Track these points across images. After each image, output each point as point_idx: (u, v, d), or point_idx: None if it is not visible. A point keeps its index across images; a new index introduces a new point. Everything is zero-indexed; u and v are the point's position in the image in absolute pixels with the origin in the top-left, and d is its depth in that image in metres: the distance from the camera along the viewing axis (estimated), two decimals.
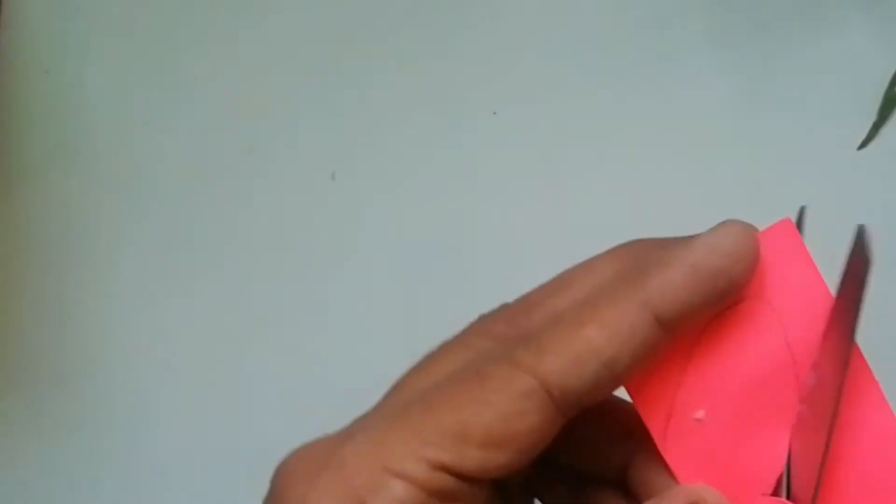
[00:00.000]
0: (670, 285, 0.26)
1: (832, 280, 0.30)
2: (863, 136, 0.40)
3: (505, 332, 0.27)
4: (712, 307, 0.28)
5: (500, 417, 0.25)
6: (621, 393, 0.27)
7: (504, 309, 0.27)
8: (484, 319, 0.27)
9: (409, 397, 0.26)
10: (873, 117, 0.40)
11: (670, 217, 0.41)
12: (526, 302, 0.27)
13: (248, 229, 0.40)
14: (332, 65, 0.42)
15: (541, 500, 0.29)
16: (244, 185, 0.41)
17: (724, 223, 0.28)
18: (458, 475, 0.25)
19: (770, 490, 0.27)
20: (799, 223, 0.29)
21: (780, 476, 0.28)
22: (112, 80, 0.43)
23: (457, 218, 0.38)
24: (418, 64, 0.42)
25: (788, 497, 0.27)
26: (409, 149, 0.40)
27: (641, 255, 0.28)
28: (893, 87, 0.40)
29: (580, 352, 0.25)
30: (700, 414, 0.27)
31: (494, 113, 0.41)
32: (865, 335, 0.40)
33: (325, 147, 0.41)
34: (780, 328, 0.29)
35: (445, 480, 0.25)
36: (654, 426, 0.27)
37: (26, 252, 0.42)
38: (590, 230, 0.40)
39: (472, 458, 0.25)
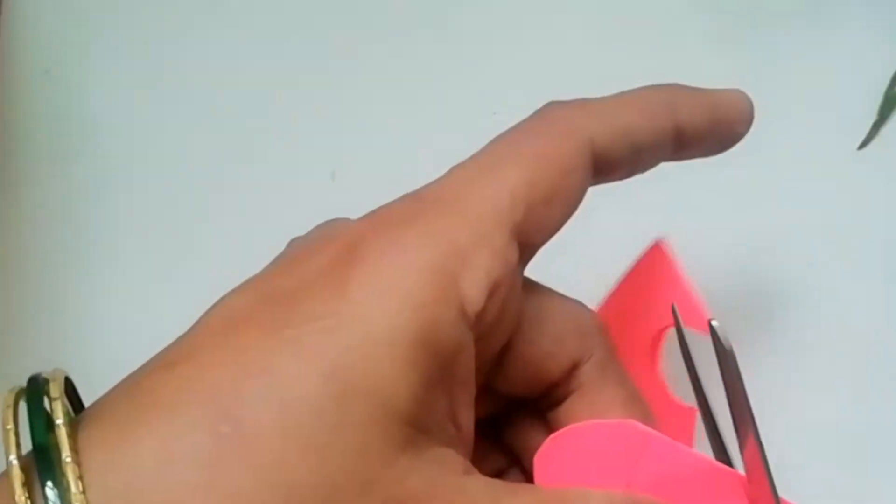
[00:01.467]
0: (695, 108, 0.30)
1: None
2: (863, 136, 0.40)
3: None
4: (710, 148, 0.32)
5: (561, 172, 0.28)
6: None
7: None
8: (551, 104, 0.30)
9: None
10: (873, 117, 0.40)
11: (669, 216, 0.41)
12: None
13: (250, 230, 0.40)
14: (333, 65, 0.42)
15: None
16: (245, 185, 0.41)
17: (737, 91, 0.32)
18: (525, 241, 0.27)
19: None
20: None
21: None
22: (112, 80, 0.43)
23: None
24: (419, 64, 0.42)
25: None
26: (410, 149, 0.40)
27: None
28: (893, 87, 0.40)
29: (623, 125, 0.29)
30: None
31: (494, 113, 0.41)
32: (869, 337, 0.40)
33: (324, 147, 0.41)
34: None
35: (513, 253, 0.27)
36: None
37: (26, 252, 0.42)
38: (587, 234, 0.40)
39: (538, 216, 0.28)
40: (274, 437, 0.24)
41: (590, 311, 0.31)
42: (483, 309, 0.26)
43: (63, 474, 0.23)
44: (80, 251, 0.42)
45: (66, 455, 0.23)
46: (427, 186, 0.28)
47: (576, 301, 0.30)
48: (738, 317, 0.40)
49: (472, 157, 0.28)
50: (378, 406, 0.25)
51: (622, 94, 0.30)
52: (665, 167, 0.41)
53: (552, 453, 0.29)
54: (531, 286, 0.30)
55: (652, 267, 0.33)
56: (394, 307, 0.25)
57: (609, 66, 0.42)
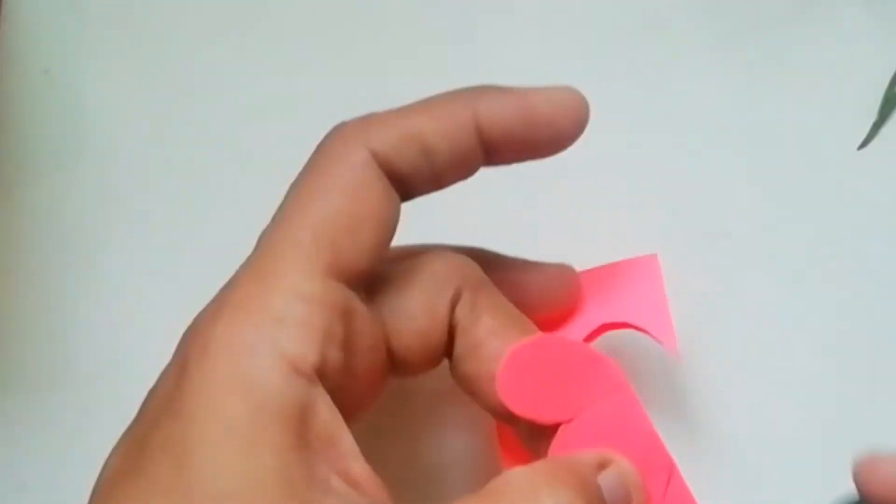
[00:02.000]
0: (500, 106, 0.29)
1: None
2: (863, 136, 0.40)
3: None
4: (531, 150, 0.30)
5: (352, 198, 0.28)
6: None
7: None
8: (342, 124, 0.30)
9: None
10: (873, 117, 0.40)
11: (669, 216, 0.41)
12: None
13: (251, 230, 0.40)
14: (334, 65, 0.42)
15: None
16: (245, 186, 0.41)
17: (565, 87, 0.30)
18: (349, 271, 0.28)
19: None
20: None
21: None
22: (112, 80, 0.43)
23: (459, 217, 0.38)
24: (419, 64, 0.42)
25: None
26: None
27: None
28: (893, 87, 0.40)
29: (409, 130, 0.28)
30: None
31: None
32: (869, 337, 0.40)
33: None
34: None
35: None
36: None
37: (26, 252, 0.42)
38: (587, 234, 0.40)
39: (347, 247, 0.28)
40: None
41: (446, 254, 0.31)
42: (320, 361, 0.27)
43: None
44: (79, 251, 0.41)
45: None
46: (232, 281, 0.29)
47: (433, 254, 0.31)
48: (736, 316, 0.40)
49: (272, 220, 0.29)
50: (244, 495, 0.25)
51: (420, 100, 0.30)
52: (665, 169, 0.42)
53: (512, 370, 0.30)
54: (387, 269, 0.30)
55: (637, 271, 0.34)
56: (224, 402, 0.26)
57: (609, 66, 0.42)
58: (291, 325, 0.27)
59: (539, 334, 0.31)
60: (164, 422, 0.27)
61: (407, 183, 0.29)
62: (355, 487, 0.27)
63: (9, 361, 0.41)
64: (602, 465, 0.30)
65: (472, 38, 0.42)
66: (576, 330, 0.33)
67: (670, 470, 0.32)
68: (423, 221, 0.31)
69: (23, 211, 0.42)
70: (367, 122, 0.29)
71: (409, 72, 0.42)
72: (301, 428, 0.26)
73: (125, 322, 0.40)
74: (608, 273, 0.34)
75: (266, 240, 0.29)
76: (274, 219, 0.29)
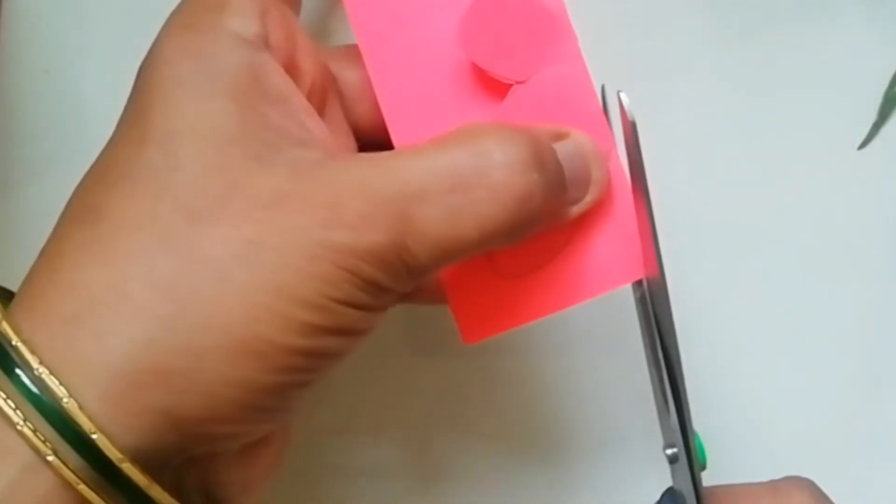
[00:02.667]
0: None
1: None
2: (863, 136, 0.40)
3: None
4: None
5: None
6: None
7: None
8: None
9: None
10: (873, 117, 0.40)
11: (668, 217, 0.41)
12: None
13: None
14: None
15: None
16: None
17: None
18: None
19: None
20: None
21: None
22: (112, 80, 0.43)
23: None
24: None
25: None
26: None
27: None
28: (893, 87, 0.40)
29: None
30: None
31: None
32: (869, 337, 0.40)
33: None
34: None
35: None
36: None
37: (25, 252, 0.42)
38: None
39: None
40: (128, 205, 0.27)
41: None
42: (263, 32, 0.29)
43: (15, 350, 0.26)
44: None
45: (14, 340, 0.26)
46: None
47: None
48: (736, 316, 0.40)
49: None
50: (200, 136, 0.27)
51: None
52: (665, 169, 0.42)
53: (473, 20, 0.31)
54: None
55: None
56: (179, 69, 0.28)
57: (609, 65, 0.42)
58: (229, 7, 0.29)
59: None
60: (128, 105, 0.30)
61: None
62: (312, 138, 0.29)
63: None
64: (558, 136, 0.30)
65: None
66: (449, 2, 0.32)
67: (610, 151, 0.31)
68: None
69: (23, 211, 0.42)
70: None
71: None
72: (252, 84, 0.28)
73: None
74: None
75: None
76: None
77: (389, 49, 0.31)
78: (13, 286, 0.41)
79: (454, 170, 0.28)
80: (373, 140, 0.33)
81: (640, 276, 0.31)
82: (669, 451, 0.31)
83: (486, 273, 0.31)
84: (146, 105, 0.28)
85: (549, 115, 0.31)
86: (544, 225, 0.30)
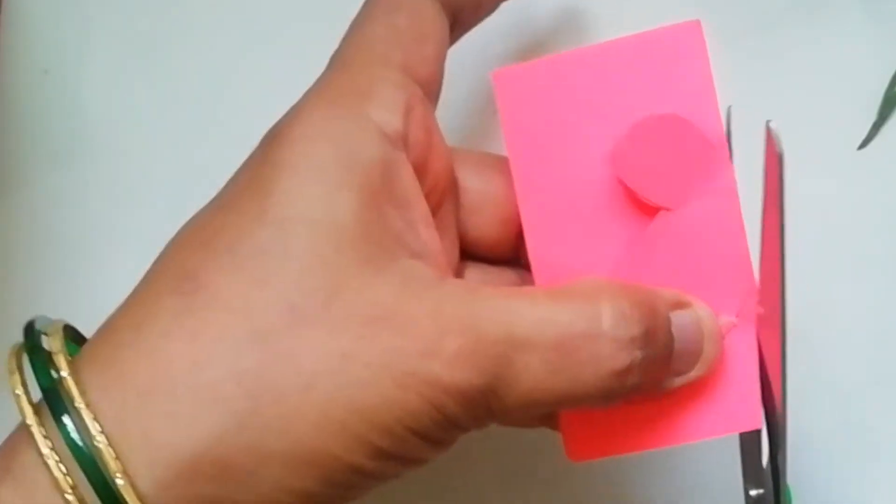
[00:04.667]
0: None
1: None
2: (863, 136, 0.40)
3: None
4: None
5: (415, 17, 0.31)
6: None
7: None
8: None
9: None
10: (873, 117, 0.40)
11: None
12: None
13: None
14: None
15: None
16: None
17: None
18: (416, 75, 0.30)
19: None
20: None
21: None
22: (112, 80, 0.43)
23: None
24: None
25: None
26: None
27: None
28: (893, 87, 0.40)
29: None
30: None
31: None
32: (869, 337, 0.40)
33: None
34: None
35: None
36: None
37: (24, 252, 0.42)
38: None
39: (416, 53, 0.30)
40: (230, 283, 0.26)
41: None
42: (404, 129, 0.28)
43: (77, 412, 0.25)
44: (78, 251, 0.41)
45: (77, 401, 0.25)
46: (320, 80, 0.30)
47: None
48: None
49: (342, 41, 0.31)
50: (319, 228, 0.26)
51: None
52: None
53: (630, 145, 0.29)
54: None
55: (674, 43, 0.31)
56: (314, 149, 0.27)
57: None
58: (377, 97, 0.28)
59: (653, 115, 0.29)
60: (250, 176, 0.28)
61: (451, 6, 0.31)
62: (425, 250, 0.28)
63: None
64: (678, 305, 0.29)
65: (472, 37, 0.42)
66: (605, 121, 0.30)
67: (750, 294, 0.30)
68: None
69: (23, 211, 0.42)
70: None
71: None
72: (383, 182, 0.27)
73: None
74: (640, 46, 0.31)
75: (338, 54, 0.31)
76: (343, 39, 0.31)
77: (539, 160, 0.30)
78: (11, 285, 0.41)
79: (563, 328, 0.27)
80: (477, 253, 0.32)
81: (758, 425, 0.29)
82: (754, 493, 0.30)
83: None
84: (271, 179, 0.27)
85: (691, 248, 0.30)
86: (641, 393, 0.29)
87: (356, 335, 0.26)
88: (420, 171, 0.29)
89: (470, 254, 0.32)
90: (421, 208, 0.29)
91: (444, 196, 0.31)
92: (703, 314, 0.29)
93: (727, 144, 0.30)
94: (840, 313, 0.40)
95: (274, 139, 0.28)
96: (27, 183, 0.42)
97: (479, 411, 0.27)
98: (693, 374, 0.29)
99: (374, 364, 0.26)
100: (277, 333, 0.26)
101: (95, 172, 0.42)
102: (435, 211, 0.30)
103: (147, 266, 0.41)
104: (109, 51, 0.43)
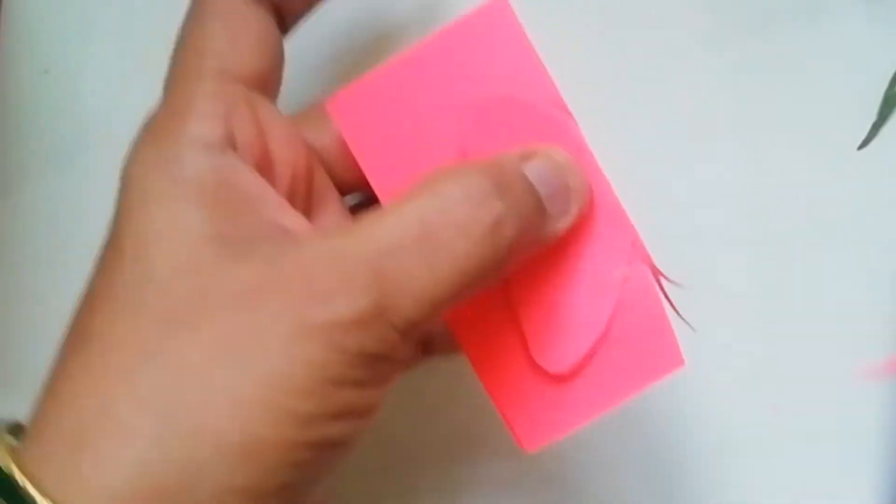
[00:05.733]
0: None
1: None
2: (863, 136, 0.40)
3: None
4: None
5: (224, 14, 0.32)
6: None
7: None
8: None
9: None
10: (873, 117, 0.40)
11: (669, 217, 0.41)
12: None
13: None
14: (336, 65, 0.42)
15: None
16: None
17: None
18: (240, 76, 0.31)
19: None
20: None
21: None
22: (111, 80, 0.43)
23: None
24: None
25: None
26: None
27: None
28: (893, 87, 0.40)
29: None
30: None
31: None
32: (869, 337, 0.40)
33: None
34: None
35: None
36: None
37: (24, 252, 0.42)
38: None
39: (232, 57, 0.31)
40: (111, 321, 0.27)
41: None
42: (227, 133, 0.29)
43: (27, 495, 0.25)
44: (78, 251, 0.41)
45: (21, 480, 0.26)
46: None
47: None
48: (735, 315, 0.40)
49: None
50: (171, 244, 0.27)
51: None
52: (664, 169, 0.42)
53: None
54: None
55: (487, 26, 0.31)
56: (146, 181, 0.29)
57: (608, 65, 0.42)
58: (194, 113, 0.29)
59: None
60: (106, 238, 0.30)
61: (272, 3, 0.32)
62: (286, 233, 0.29)
63: (9, 361, 0.41)
64: (525, 157, 0.30)
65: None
66: (448, 117, 0.31)
67: (636, 240, 0.30)
68: None
69: (23, 211, 0.42)
70: None
71: None
72: (220, 187, 0.28)
73: None
74: (458, 36, 0.31)
75: (168, 72, 0.32)
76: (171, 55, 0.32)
77: (395, 171, 0.31)
78: (13, 285, 0.41)
79: (419, 217, 0.27)
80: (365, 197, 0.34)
81: (682, 364, 0.30)
82: None
83: (531, 376, 0.30)
84: (120, 220, 0.29)
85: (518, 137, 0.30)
86: (534, 246, 0.29)
87: (232, 317, 0.26)
88: (265, 164, 0.30)
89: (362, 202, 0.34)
90: (272, 198, 0.29)
91: (311, 172, 0.32)
92: (553, 153, 0.30)
93: (566, 106, 0.30)
94: (840, 312, 0.40)
95: (120, 182, 0.30)
96: (27, 183, 0.42)
97: (382, 334, 0.26)
98: (573, 209, 0.30)
99: (258, 335, 0.25)
100: (161, 348, 0.26)
101: (95, 172, 0.42)
102: (309, 189, 0.31)
103: None
104: (109, 51, 0.43)
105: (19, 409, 0.40)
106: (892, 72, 0.40)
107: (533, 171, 0.29)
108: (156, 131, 0.30)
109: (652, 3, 0.42)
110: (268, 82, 0.32)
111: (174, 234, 0.27)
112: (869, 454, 0.39)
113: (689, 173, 0.41)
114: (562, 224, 0.30)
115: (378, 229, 0.27)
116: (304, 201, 0.32)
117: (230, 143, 0.29)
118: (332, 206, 0.33)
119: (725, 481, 0.39)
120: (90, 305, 0.28)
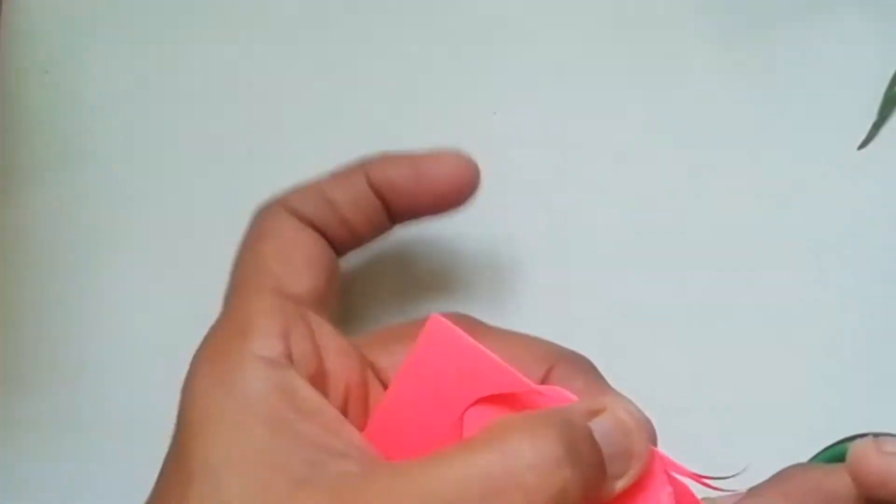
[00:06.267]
0: (390, 166, 0.35)
1: None
2: (863, 136, 0.40)
3: None
4: (426, 207, 0.35)
5: (283, 245, 0.34)
6: None
7: None
8: None
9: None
10: (873, 117, 0.40)
11: (670, 217, 0.41)
12: None
13: None
14: (336, 65, 0.42)
15: None
16: (245, 186, 0.41)
17: (454, 151, 0.35)
18: (290, 292, 0.33)
19: None
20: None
21: None
22: (111, 80, 0.43)
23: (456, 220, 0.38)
24: (417, 64, 0.42)
25: None
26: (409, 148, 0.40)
27: None
28: (893, 87, 0.40)
29: (313, 186, 0.35)
30: None
31: (494, 113, 0.41)
32: (869, 336, 0.40)
33: (324, 149, 0.41)
34: None
35: None
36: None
37: (25, 252, 0.42)
38: (588, 236, 0.40)
39: (285, 276, 0.34)
40: None
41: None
42: (286, 349, 0.30)
43: None
44: (78, 252, 0.41)
45: None
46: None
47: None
48: (736, 315, 0.40)
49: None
50: (244, 468, 0.28)
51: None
52: (664, 169, 0.41)
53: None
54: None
55: (437, 345, 0.32)
56: (211, 401, 0.29)
57: (609, 66, 0.42)
58: (254, 331, 0.30)
59: None
60: (170, 457, 0.30)
61: (322, 231, 0.35)
62: (348, 447, 0.29)
63: (9, 361, 0.41)
64: (593, 413, 0.29)
65: (473, 38, 0.42)
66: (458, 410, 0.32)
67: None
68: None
69: (23, 211, 0.42)
70: (283, 192, 0.35)
71: (408, 77, 0.42)
72: (283, 405, 0.29)
73: (126, 321, 0.40)
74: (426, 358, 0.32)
75: (227, 290, 0.34)
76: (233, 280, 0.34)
77: (411, 407, 0.31)
78: (14, 285, 0.41)
79: (486, 473, 0.27)
80: None
81: None
82: None
83: None
84: (187, 442, 0.29)
85: None
86: None
87: None
88: (319, 379, 0.31)
89: None
90: (330, 412, 0.30)
91: (364, 387, 0.32)
92: (620, 412, 0.29)
93: (530, 384, 0.30)
94: (840, 312, 0.40)
95: (182, 402, 0.30)
96: (27, 183, 0.42)
97: None
98: (632, 471, 0.29)
99: None
100: None
101: (95, 172, 0.42)
102: (364, 404, 0.32)
103: (148, 267, 0.41)
104: (109, 51, 0.43)
105: (19, 409, 0.41)
106: (892, 72, 0.40)
107: (600, 429, 0.29)
108: (217, 350, 0.30)
109: (652, 4, 0.42)
110: (323, 299, 0.34)
111: (244, 460, 0.28)
112: None
113: (686, 172, 0.41)
114: (620, 485, 0.29)
115: (442, 479, 0.27)
116: (360, 415, 0.32)
117: (288, 358, 0.30)
118: None
119: None
120: None
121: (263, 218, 0.35)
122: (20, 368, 0.41)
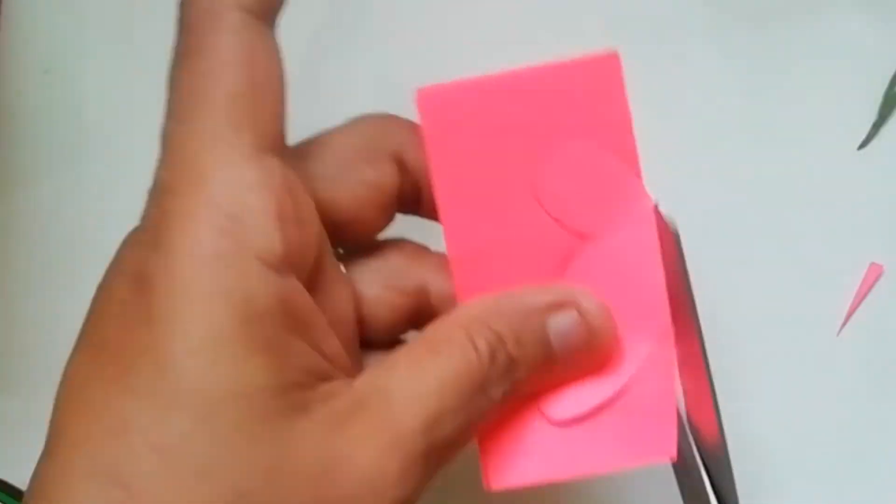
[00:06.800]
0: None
1: None
2: (863, 136, 0.40)
3: None
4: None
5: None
6: None
7: None
8: None
9: None
10: (873, 117, 0.40)
11: (663, 208, 0.41)
12: None
13: None
14: (335, 65, 0.42)
15: None
16: None
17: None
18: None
19: None
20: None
21: None
22: (111, 79, 0.43)
23: None
24: (415, 64, 0.42)
25: None
26: None
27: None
28: (893, 87, 0.40)
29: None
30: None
31: None
32: (869, 336, 0.40)
33: None
34: None
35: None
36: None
37: (25, 252, 0.42)
38: None
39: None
40: (165, 489, 0.24)
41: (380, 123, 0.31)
42: (286, 248, 0.26)
43: None
44: (79, 251, 0.41)
45: None
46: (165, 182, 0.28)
47: (362, 124, 0.32)
48: (738, 321, 0.40)
49: (170, 115, 0.29)
50: (238, 402, 0.25)
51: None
52: (665, 169, 0.42)
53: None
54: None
55: (592, 75, 0.30)
56: (199, 307, 0.25)
57: None
58: (249, 220, 0.26)
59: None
60: (132, 329, 0.25)
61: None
62: (331, 366, 0.27)
63: (9, 361, 0.41)
64: (553, 307, 0.29)
65: (474, 37, 0.42)
66: (528, 148, 0.30)
67: (667, 335, 0.30)
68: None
69: (23, 211, 0.42)
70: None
71: (409, 79, 0.42)
72: (283, 323, 0.26)
73: None
74: (562, 75, 0.30)
75: (176, 139, 0.28)
76: (173, 113, 0.29)
77: (463, 184, 0.30)
78: (13, 285, 0.41)
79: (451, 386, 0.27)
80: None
81: (672, 455, 0.29)
82: None
83: (525, 412, 0.29)
84: (164, 350, 0.25)
85: (610, 279, 0.30)
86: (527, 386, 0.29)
87: (311, 498, 0.25)
88: (300, 268, 0.27)
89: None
90: (320, 325, 0.27)
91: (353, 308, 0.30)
92: (588, 308, 0.29)
93: (641, 176, 0.30)
94: (840, 311, 0.40)
95: (147, 282, 0.26)
96: (27, 183, 0.42)
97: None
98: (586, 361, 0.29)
99: None
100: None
101: (95, 172, 0.42)
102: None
103: None
104: (110, 50, 0.43)
105: (19, 409, 0.41)
106: (892, 72, 0.40)
107: (557, 324, 0.28)
108: (201, 232, 0.26)
109: (652, 4, 0.42)
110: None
111: (242, 394, 0.25)
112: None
113: (686, 172, 0.41)
114: (567, 370, 0.29)
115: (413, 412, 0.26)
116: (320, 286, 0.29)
117: (287, 259, 0.26)
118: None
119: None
120: (126, 447, 0.25)
121: (213, 29, 0.29)
122: (19, 368, 0.41)
